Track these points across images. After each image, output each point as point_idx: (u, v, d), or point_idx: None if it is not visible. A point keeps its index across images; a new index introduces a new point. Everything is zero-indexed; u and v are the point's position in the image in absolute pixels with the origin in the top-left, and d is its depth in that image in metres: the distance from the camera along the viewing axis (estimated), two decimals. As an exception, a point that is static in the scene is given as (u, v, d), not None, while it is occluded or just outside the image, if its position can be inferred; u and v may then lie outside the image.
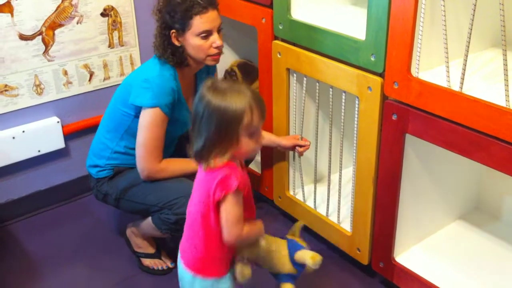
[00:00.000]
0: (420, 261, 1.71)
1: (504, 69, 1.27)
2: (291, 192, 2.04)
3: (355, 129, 1.67)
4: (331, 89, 1.74)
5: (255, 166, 2.20)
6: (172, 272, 1.91)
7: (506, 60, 1.26)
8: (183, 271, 1.38)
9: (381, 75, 1.55)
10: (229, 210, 1.25)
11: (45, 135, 2.10)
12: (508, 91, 1.27)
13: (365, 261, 1.80)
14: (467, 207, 1.92)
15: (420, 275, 1.64)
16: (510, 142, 1.29)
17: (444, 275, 1.65)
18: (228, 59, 2.37)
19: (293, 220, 2.05)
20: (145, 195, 1.77)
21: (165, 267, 1.92)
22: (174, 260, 1.93)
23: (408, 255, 1.74)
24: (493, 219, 1.90)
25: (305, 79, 1.84)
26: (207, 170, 1.27)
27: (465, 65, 1.33)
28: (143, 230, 1.90)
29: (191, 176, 1.77)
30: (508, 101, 1.27)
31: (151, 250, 1.94)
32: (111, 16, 2.15)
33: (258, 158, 2.16)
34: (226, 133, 1.24)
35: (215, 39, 1.69)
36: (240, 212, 1.27)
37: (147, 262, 1.93)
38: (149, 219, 1.82)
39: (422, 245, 1.78)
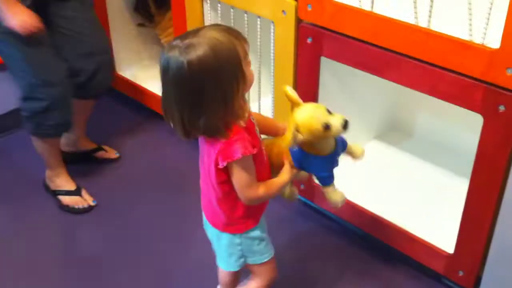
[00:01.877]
0: (338, 181, 1.77)
1: (413, -13, 1.28)
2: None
3: (272, 54, 1.66)
4: (245, 15, 1.71)
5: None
6: (93, 210, 1.88)
7: (414, -23, 1.28)
8: (208, 225, 1.30)
9: (294, -3, 1.53)
10: (238, 177, 1.14)
11: None
12: (416, 8, 1.29)
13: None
14: (383, 126, 1.98)
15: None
16: (420, 59, 1.32)
17: (362, 192, 1.72)
18: (139, -11, 2.28)
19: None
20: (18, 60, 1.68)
21: (86, 206, 1.89)
22: (95, 198, 1.91)
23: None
24: (407, 137, 1.98)
25: (219, 5, 1.79)
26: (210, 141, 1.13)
27: (376, -16, 1.34)
28: (42, 153, 1.85)
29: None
30: (417, 18, 1.30)
31: (70, 187, 1.90)
32: None
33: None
34: (232, 81, 1.06)
35: None
36: (250, 176, 1.15)
37: (67, 200, 1.89)
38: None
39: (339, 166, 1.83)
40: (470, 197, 1.39)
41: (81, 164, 2.06)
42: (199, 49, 1.03)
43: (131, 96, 2.37)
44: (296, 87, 1.64)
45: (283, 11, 1.55)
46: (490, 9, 1.18)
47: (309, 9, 1.48)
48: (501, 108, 1.23)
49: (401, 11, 1.36)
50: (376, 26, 1.36)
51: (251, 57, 1.80)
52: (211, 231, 1.31)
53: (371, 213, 1.64)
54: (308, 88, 1.62)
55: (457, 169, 1.78)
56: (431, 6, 1.27)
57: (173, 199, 1.93)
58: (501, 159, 1.29)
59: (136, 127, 2.32)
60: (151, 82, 2.28)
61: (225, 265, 1.33)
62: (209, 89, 1.05)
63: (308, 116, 1.15)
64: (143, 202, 1.93)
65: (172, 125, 1.12)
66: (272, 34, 1.63)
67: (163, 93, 1.11)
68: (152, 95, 2.23)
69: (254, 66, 1.82)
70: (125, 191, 1.98)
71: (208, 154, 1.16)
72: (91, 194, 1.92)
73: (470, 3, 1.21)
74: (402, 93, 1.92)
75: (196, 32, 1.07)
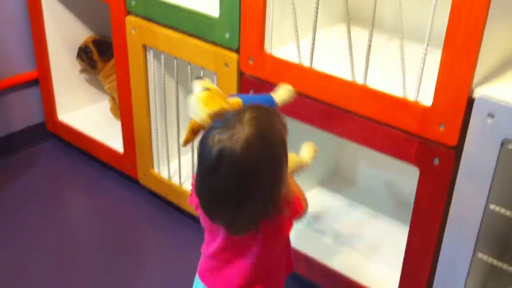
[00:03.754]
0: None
1: (349, 44, 1.33)
2: (156, 170, 2.02)
3: (215, 105, 1.68)
4: (189, 66, 1.72)
5: (116, 143, 2.13)
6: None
7: (350, 36, 1.33)
8: None
9: (237, 51, 1.55)
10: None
11: None
12: (353, 65, 1.34)
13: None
14: (326, 173, 2.02)
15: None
16: (355, 113, 1.37)
17: (306, 240, 1.73)
18: (82, 35, 2.26)
19: (161, 198, 2.05)
20: None
21: None
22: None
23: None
24: (349, 184, 2.01)
25: (162, 55, 1.80)
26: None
27: (314, 41, 1.38)
28: None
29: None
30: (353, 75, 1.35)
31: None
32: None
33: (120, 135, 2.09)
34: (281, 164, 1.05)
35: None
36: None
37: None
38: None
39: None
40: (409, 247, 1.42)
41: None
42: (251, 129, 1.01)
43: (71, 142, 2.33)
44: (239, 137, 1.66)
45: (225, 63, 1.58)
46: (422, 68, 1.23)
47: (251, 62, 1.51)
48: (436, 161, 1.28)
49: (339, 68, 1.40)
50: (315, 81, 1.40)
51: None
52: None
53: (318, 262, 1.64)
54: (251, 139, 1.63)
55: (399, 217, 1.82)
56: (367, 64, 1.31)
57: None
58: (438, 210, 1.33)
59: (73, 174, 2.28)
60: (92, 127, 2.26)
61: None
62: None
63: None
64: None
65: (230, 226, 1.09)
66: (215, 85, 1.64)
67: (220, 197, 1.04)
68: (93, 140, 2.20)
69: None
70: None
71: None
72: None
73: (403, 61, 1.26)
74: (344, 141, 1.97)
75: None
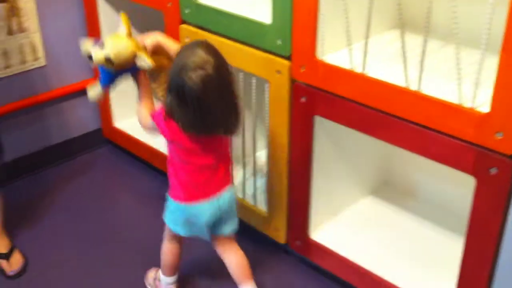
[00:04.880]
0: (334, 237, 1.76)
1: (403, 51, 1.31)
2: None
3: (267, 112, 1.68)
4: (241, 73, 1.74)
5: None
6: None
7: (404, 41, 1.30)
8: (229, 192, 1.56)
9: (288, 58, 1.56)
10: None
11: None
12: (407, 71, 1.32)
13: (282, 240, 1.83)
14: (377, 182, 1.99)
15: (334, 251, 1.69)
16: (408, 120, 1.34)
17: (358, 249, 1.71)
18: (137, 44, 2.31)
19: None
20: None
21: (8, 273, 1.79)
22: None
23: (323, 232, 1.78)
24: (402, 194, 1.98)
25: (215, 63, 1.82)
26: None
27: (366, 47, 1.37)
28: None
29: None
30: (407, 81, 1.32)
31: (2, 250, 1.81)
32: (8, 2, 2.03)
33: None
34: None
35: None
36: None
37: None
38: None
39: (335, 221, 1.83)
40: (466, 259, 1.38)
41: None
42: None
43: (126, 148, 2.39)
44: (290, 144, 1.66)
45: (277, 71, 1.58)
46: (479, 74, 1.20)
47: (303, 69, 1.51)
48: (493, 171, 1.24)
49: (393, 74, 1.38)
50: (367, 87, 1.38)
51: (247, 113, 1.83)
52: (230, 195, 1.55)
53: (370, 272, 1.62)
54: (302, 146, 1.63)
55: (454, 227, 1.77)
56: (421, 69, 1.29)
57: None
58: (495, 221, 1.28)
59: (128, 179, 2.33)
60: (146, 134, 2.29)
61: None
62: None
63: None
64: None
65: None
66: (267, 92, 1.65)
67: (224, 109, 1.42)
68: (148, 147, 2.25)
69: (248, 121, 1.85)
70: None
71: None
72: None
73: (459, 67, 1.23)
74: (396, 149, 1.93)
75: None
